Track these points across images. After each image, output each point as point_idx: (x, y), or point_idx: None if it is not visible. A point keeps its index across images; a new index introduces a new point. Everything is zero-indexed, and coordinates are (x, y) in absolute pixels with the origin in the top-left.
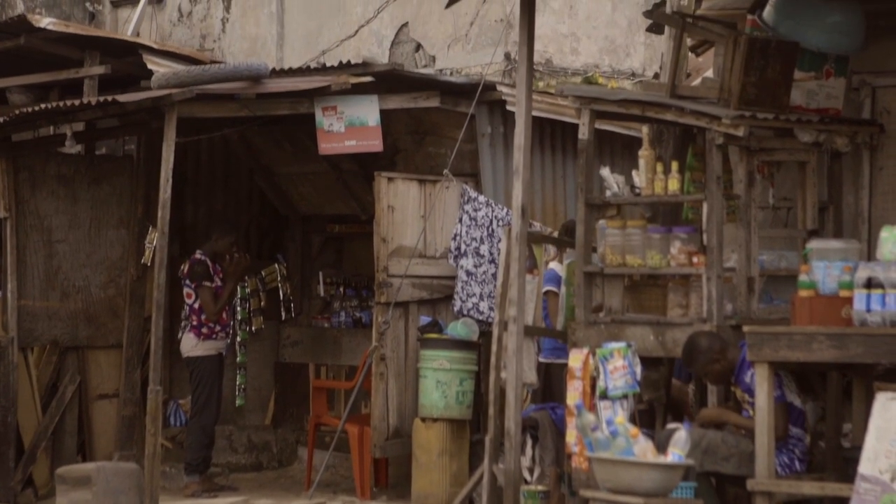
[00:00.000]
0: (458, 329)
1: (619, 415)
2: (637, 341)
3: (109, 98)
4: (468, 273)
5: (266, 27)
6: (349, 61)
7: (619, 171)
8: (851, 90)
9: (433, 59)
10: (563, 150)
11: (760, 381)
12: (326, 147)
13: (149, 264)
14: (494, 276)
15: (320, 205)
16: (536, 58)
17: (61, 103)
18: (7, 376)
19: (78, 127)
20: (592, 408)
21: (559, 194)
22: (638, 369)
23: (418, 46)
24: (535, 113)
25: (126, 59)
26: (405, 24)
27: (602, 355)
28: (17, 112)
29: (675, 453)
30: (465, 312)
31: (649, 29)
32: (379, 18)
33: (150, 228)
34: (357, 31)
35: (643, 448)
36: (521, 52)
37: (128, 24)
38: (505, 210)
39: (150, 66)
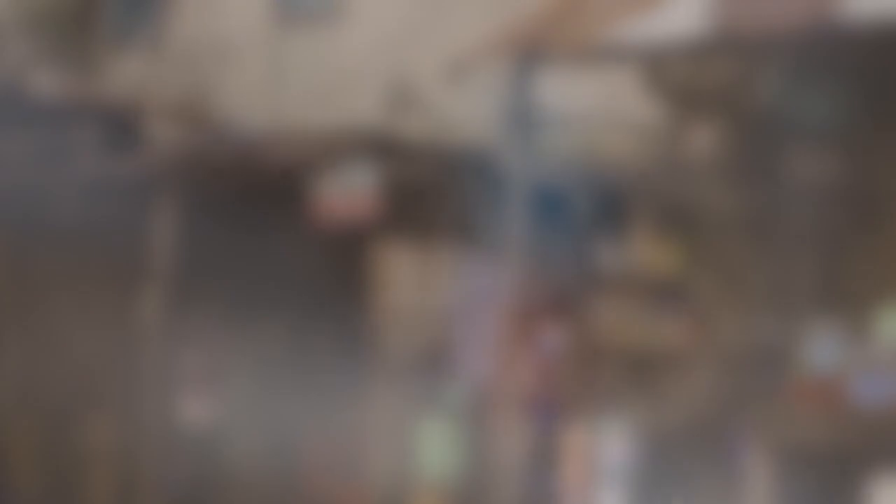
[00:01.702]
0: None
1: None
2: None
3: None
4: None
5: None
6: (342, 128)
7: None
8: None
9: (428, 108)
10: None
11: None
12: (321, 211)
13: None
14: None
15: None
16: None
17: None
18: None
19: None
20: None
21: None
22: None
23: (412, 97)
24: None
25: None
26: (400, 76)
27: None
28: None
29: None
30: None
31: None
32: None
33: None
34: (352, 79)
35: None
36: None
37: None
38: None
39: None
